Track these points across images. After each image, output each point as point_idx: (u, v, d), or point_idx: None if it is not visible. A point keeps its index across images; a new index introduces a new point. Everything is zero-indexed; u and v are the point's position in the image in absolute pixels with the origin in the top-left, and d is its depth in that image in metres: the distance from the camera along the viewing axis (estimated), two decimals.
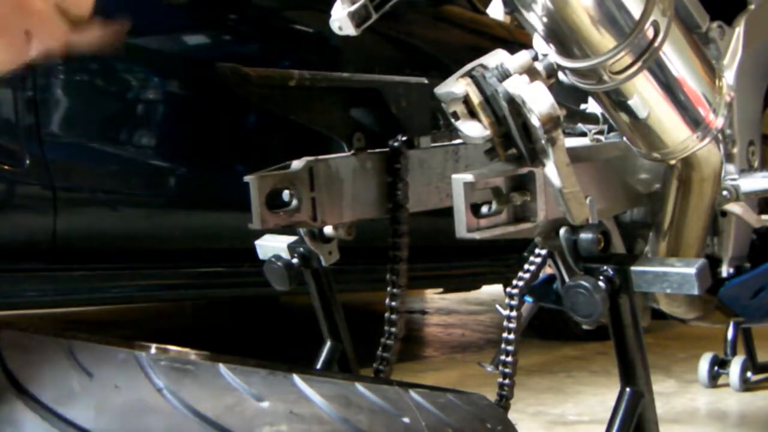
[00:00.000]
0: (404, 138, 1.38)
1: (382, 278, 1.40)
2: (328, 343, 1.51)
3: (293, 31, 2.66)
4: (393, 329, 1.38)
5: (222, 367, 0.63)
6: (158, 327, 3.90)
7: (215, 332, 3.84)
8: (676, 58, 1.24)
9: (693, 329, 2.35)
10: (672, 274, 1.17)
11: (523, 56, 1.12)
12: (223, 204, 2.43)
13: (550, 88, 1.09)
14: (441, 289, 4.25)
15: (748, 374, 2.62)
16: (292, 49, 2.60)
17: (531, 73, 1.11)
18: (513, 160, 1.11)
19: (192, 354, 0.77)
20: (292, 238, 1.46)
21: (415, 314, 4.33)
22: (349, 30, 1.28)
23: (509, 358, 1.53)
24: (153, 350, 0.69)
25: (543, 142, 1.07)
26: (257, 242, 1.50)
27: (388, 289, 1.38)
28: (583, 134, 1.53)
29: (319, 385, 0.63)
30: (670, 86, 1.25)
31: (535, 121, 1.06)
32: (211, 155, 2.46)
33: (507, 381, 1.53)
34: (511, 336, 1.53)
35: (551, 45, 1.22)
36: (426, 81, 1.43)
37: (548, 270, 1.63)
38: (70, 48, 0.93)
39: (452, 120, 1.10)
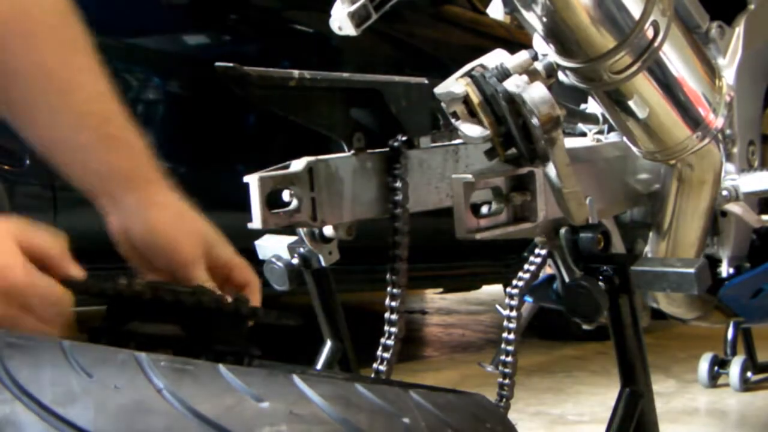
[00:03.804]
0: (404, 138, 1.38)
1: (382, 278, 1.40)
2: (328, 343, 1.51)
3: (293, 30, 2.66)
4: (393, 329, 1.38)
5: (222, 368, 0.63)
6: None
7: None
8: (675, 58, 1.24)
9: (693, 329, 2.35)
10: (672, 274, 1.17)
11: (523, 56, 1.12)
12: (223, 204, 2.43)
13: (550, 88, 1.09)
14: (441, 289, 4.25)
15: (748, 374, 2.62)
16: (292, 49, 2.60)
17: (531, 73, 1.11)
18: (513, 160, 1.11)
19: None
20: (292, 238, 1.46)
21: (415, 314, 4.33)
22: (349, 30, 1.28)
23: (509, 358, 1.53)
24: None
25: (543, 142, 1.07)
26: (257, 242, 1.50)
27: (388, 289, 1.38)
28: (583, 134, 1.53)
29: (319, 385, 0.63)
30: (669, 86, 1.25)
31: (535, 121, 1.06)
32: (211, 155, 2.46)
33: (507, 381, 1.53)
34: (511, 336, 1.53)
35: (551, 45, 1.22)
36: (426, 81, 1.43)
37: (548, 270, 1.63)
38: None
39: (452, 120, 1.10)
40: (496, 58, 1.12)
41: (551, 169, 1.08)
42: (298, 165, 1.29)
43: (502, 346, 1.54)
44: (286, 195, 1.28)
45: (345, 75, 1.39)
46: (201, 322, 0.82)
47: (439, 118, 1.43)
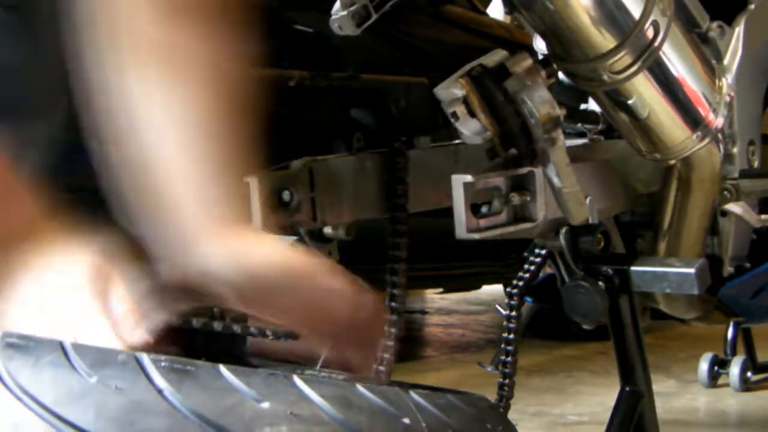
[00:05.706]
0: (404, 138, 1.38)
1: (382, 278, 1.40)
2: None
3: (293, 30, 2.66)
4: (393, 329, 1.38)
5: (222, 368, 0.63)
6: None
7: None
8: (675, 58, 1.24)
9: (693, 329, 2.35)
10: (671, 274, 1.17)
11: (523, 56, 1.12)
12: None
13: (550, 88, 1.09)
14: (441, 289, 4.26)
15: (748, 374, 2.62)
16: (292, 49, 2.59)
17: (531, 73, 1.11)
18: (513, 160, 1.11)
19: None
20: (292, 238, 1.46)
21: (415, 314, 4.33)
22: (349, 30, 1.28)
23: (509, 358, 1.53)
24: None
25: (543, 142, 1.07)
26: None
27: (388, 289, 1.38)
28: (583, 134, 1.53)
29: (319, 386, 0.63)
30: (669, 86, 1.25)
31: (534, 121, 1.06)
32: None
33: (507, 381, 1.53)
34: (511, 336, 1.53)
35: (551, 45, 1.22)
36: (426, 81, 1.43)
37: (548, 270, 1.63)
38: None
39: (452, 120, 1.10)
40: (496, 58, 1.12)
41: (551, 169, 1.08)
42: (297, 165, 1.29)
43: (502, 346, 1.54)
44: (286, 195, 1.28)
45: (345, 75, 1.39)
46: (206, 343, 0.81)
47: (439, 118, 1.43)
